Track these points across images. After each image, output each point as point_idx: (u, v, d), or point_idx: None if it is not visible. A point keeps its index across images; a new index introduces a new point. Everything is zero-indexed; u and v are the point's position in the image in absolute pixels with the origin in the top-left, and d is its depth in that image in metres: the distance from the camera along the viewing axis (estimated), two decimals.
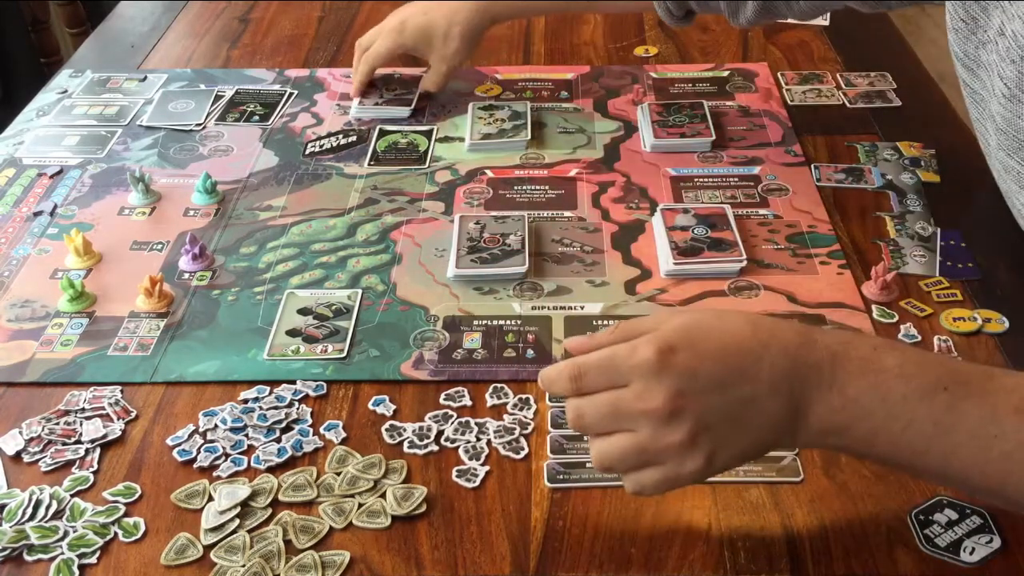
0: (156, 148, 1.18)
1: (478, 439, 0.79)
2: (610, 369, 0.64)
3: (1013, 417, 0.62)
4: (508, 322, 0.90)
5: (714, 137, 1.15)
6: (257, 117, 1.23)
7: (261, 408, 0.82)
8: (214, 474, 0.77)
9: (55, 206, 1.08)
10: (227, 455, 0.78)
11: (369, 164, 1.14)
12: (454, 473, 0.76)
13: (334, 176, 1.12)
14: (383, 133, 1.19)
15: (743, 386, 0.63)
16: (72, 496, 0.75)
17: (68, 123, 1.23)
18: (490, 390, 0.83)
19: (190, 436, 0.80)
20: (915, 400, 0.63)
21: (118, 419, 0.82)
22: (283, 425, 0.81)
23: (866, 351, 0.65)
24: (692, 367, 0.63)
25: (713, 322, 0.65)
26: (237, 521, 0.73)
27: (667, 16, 1.15)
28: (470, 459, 0.78)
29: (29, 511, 0.74)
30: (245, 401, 0.83)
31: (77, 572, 0.70)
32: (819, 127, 1.19)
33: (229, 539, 0.71)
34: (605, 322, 0.90)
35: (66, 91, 1.30)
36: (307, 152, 1.17)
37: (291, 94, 1.28)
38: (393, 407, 0.82)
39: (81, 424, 0.81)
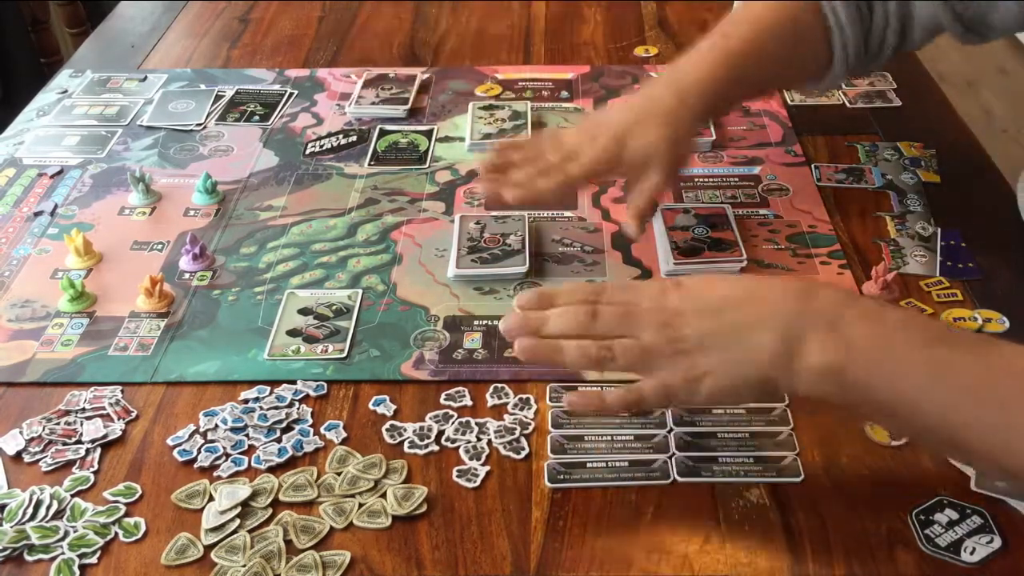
0: (156, 148, 1.18)
1: (478, 439, 0.79)
2: (627, 289, 0.74)
3: (1009, 378, 0.62)
4: None
5: (714, 137, 1.15)
6: (257, 117, 1.23)
7: (261, 408, 0.82)
8: (214, 474, 0.77)
9: (55, 206, 1.08)
10: (227, 455, 0.78)
11: (369, 164, 1.14)
12: (454, 473, 0.76)
13: (334, 176, 1.12)
14: (383, 133, 1.19)
15: (739, 313, 0.68)
16: (73, 496, 0.75)
17: (68, 123, 1.23)
18: (490, 390, 0.83)
19: (190, 436, 0.80)
20: (914, 349, 0.64)
21: (118, 419, 0.82)
22: (283, 425, 0.81)
23: (870, 304, 0.68)
24: (693, 295, 0.70)
25: (724, 276, 0.73)
26: (238, 521, 0.73)
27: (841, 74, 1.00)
28: (470, 459, 0.78)
29: (29, 511, 0.74)
30: (245, 401, 0.83)
31: (78, 572, 0.70)
32: (819, 127, 1.19)
33: (230, 539, 0.71)
34: None
35: (66, 91, 1.30)
36: (307, 152, 1.17)
37: (291, 94, 1.28)
38: (394, 407, 0.82)
39: (81, 424, 0.81)
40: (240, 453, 0.78)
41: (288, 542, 0.71)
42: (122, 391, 0.84)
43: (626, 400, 0.71)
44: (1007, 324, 0.88)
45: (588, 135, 0.93)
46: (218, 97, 1.27)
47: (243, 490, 0.75)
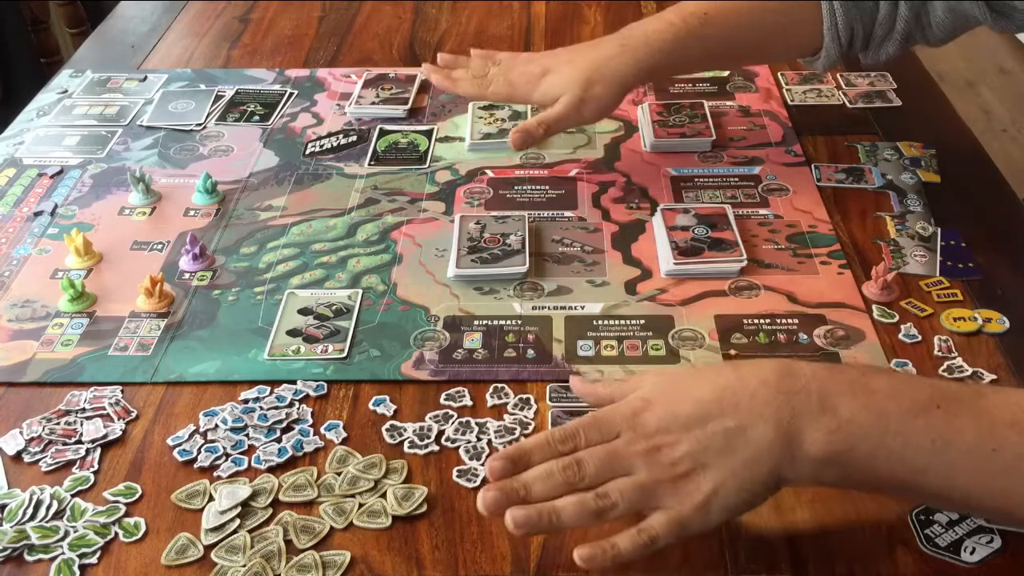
0: (156, 148, 1.18)
1: (479, 439, 0.79)
2: (599, 424, 0.68)
3: (1009, 431, 0.62)
4: (508, 322, 0.90)
5: (714, 137, 1.15)
6: (257, 117, 1.24)
7: (261, 408, 0.82)
8: (215, 474, 0.77)
9: (55, 206, 1.08)
10: (227, 455, 0.78)
11: (369, 164, 1.14)
12: (455, 473, 0.76)
13: (334, 176, 1.12)
14: (383, 133, 1.19)
15: (725, 418, 0.65)
16: (73, 496, 0.75)
17: (68, 123, 1.23)
18: (491, 390, 0.83)
19: (191, 436, 0.80)
20: (910, 417, 0.63)
21: (118, 419, 0.82)
22: (283, 425, 0.81)
23: (853, 374, 0.66)
24: (670, 411, 0.66)
25: (688, 372, 0.70)
26: (238, 521, 0.73)
27: (826, 62, 1.07)
28: (471, 459, 0.78)
29: (30, 511, 0.74)
30: (245, 401, 0.83)
31: (78, 572, 0.70)
32: (819, 127, 1.19)
33: (230, 539, 0.71)
34: (605, 322, 0.90)
35: (66, 91, 1.30)
36: (307, 152, 1.17)
37: (291, 94, 1.28)
38: (394, 407, 0.82)
39: (81, 424, 0.81)
40: (240, 453, 0.78)
41: (288, 542, 0.71)
42: (122, 391, 0.85)
43: (639, 544, 0.64)
44: (1007, 324, 0.88)
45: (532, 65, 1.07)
46: (218, 97, 1.27)
47: (243, 490, 0.75)
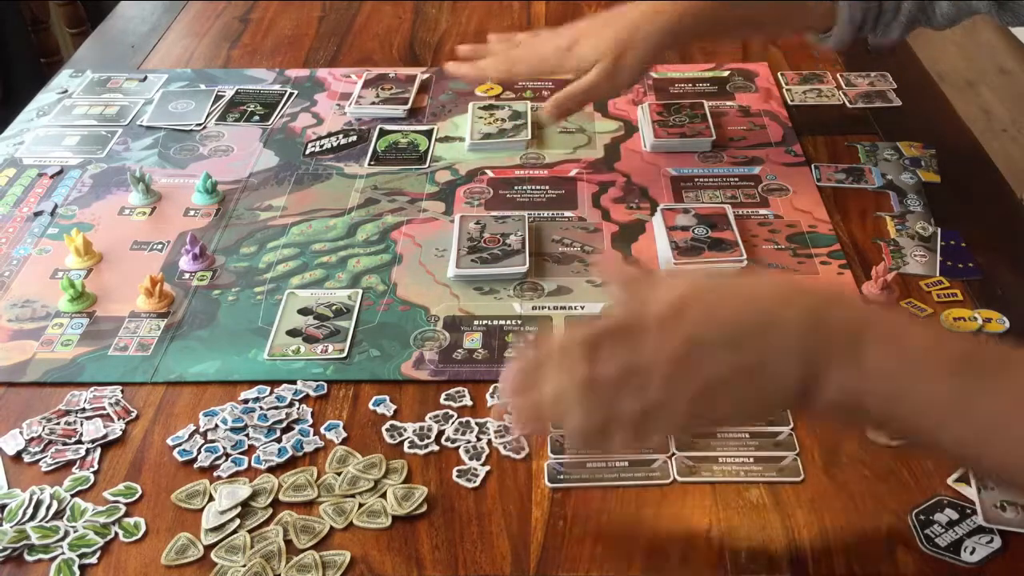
0: (156, 148, 1.18)
1: (478, 439, 0.79)
2: (626, 334, 0.62)
3: None
4: (509, 322, 0.90)
5: (714, 137, 1.15)
6: (257, 117, 1.23)
7: (261, 408, 0.82)
8: (215, 474, 0.77)
9: (55, 206, 1.08)
10: (227, 455, 0.78)
11: (369, 164, 1.14)
12: (454, 473, 0.76)
13: (334, 176, 1.12)
14: (383, 133, 1.19)
15: (756, 347, 0.61)
16: (73, 496, 0.75)
17: (68, 123, 1.23)
18: (491, 390, 0.83)
19: (190, 436, 0.80)
20: (937, 378, 0.61)
21: (118, 419, 0.82)
22: (283, 425, 0.81)
23: (892, 323, 0.63)
24: (705, 325, 0.61)
25: (732, 285, 0.64)
26: (238, 521, 0.73)
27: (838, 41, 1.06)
28: (470, 459, 0.78)
29: (29, 511, 0.74)
30: (245, 401, 0.83)
31: (78, 572, 0.70)
32: (819, 127, 1.19)
33: (230, 539, 0.71)
34: None
35: (66, 91, 1.30)
36: (307, 152, 1.17)
37: (291, 94, 1.28)
38: (393, 407, 0.82)
39: (81, 424, 0.81)
40: (240, 453, 0.78)
41: (288, 542, 0.71)
42: (122, 391, 0.84)
43: (629, 440, 0.64)
44: (1007, 324, 0.88)
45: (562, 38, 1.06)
46: (218, 97, 1.27)
47: (243, 490, 0.75)
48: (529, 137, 1.17)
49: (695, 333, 0.61)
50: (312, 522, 0.72)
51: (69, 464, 0.78)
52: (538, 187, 1.09)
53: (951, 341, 0.64)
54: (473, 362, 0.86)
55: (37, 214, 1.07)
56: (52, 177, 1.13)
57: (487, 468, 0.77)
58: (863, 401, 0.61)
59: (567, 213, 1.05)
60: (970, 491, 0.73)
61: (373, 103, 1.25)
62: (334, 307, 0.93)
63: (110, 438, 0.80)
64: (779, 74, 1.30)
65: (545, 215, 1.04)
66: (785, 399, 0.64)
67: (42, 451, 0.79)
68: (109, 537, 0.72)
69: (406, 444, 0.79)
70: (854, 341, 0.61)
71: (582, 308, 0.92)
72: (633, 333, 0.62)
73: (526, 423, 0.68)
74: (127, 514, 0.74)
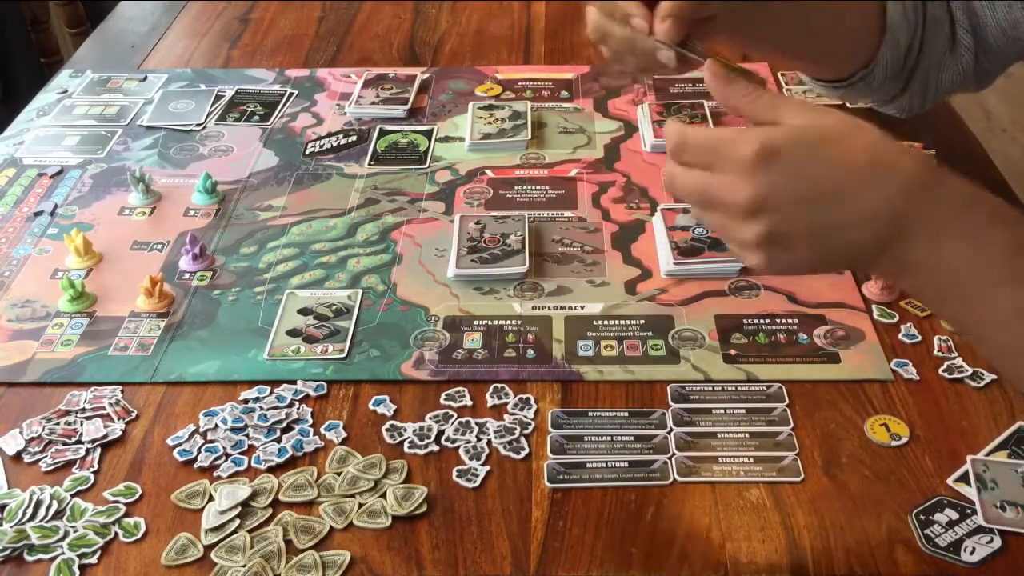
0: (156, 148, 1.18)
1: (478, 439, 0.79)
2: (710, 152, 0.61)
3: None
4: (508, 322, 0.90)
5: None
6: (257, 117, 1.23)
7: (261, 408, 0.82)
8: (214, 474, 0.77)
9: (55, 206, 1.08)
10: (227, 455, 0.78)
11: (369, 164, 1.14)
12: (454, 473, 0.76)
13: (334, 176, 1.12)
14: (383, 133, 1.19)
15: (836, 210, 0.60)
16: (72, 496, 0.75)
17: (68, 123, 1.23)
18: (490, 390, 0.83)
19: (190, 436, 0.80)
20: (998, 286, 0.60)
21: (118, 419, 0.82)
22: (283, 425, 0.81)
23: (976, 218, 0.61)
24: (789, 177, 0.59)
25: (835, 133, 0.60)
26: (238, 521, 0.73)
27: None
28: (470, 459, 0.78)
29: (29, 511, 0.74)
30: (245, 401, 0.83)
31: (77, 572, 0.70)
32: None
33: (230, 539, 0.71)
34: (605, 322, 0.90)
35: (66, 91, 1.30)
36: (307, 152, 1.17)
37: (291, 94, 1.28)
38: (393, 407, 0.82)
39: (81, 424, 0.81)
40: (240, 453, 0.78)
41: (288, 542, 0.71)
42: (122, 391, 0.84)
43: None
44: None
45: None
46: (218, 97, 1.27)
47: (243, 490, 0.75)
48: (529, 137, 1.17)
49: (774, 188, 0.59)
50: (312, 522, 0.72)
51: (69, 464, 0.78)
52: (538, 187, 1.09)
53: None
54: (473, 362, 0.86)
55: (37, 214, 1.07)
56: (52, 177, 1.13)
57: (487, 468, 0.77)
58: (925, 287, 0.62)
59: (567, 213, 1.05)
60: (970, 491, 0.73)
61: (373, 103, 1.25)
62: (334, 307, 0.93)
63: (110, 438, 0.80)
64: (779, 74, 1.30)
65: (545, 215, 1.04)
66: (852, 262, 0.69)
67: (42, 451, 0.79)
68: (109, 537, 0.72)
69: (406, 444, 0.79)
70: (936, 230, 0.60)
71: (582, 308, 0.92)
72: (718, 157, 0.61)
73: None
74: (127, 514, 0.74)
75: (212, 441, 0.79)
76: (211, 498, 0.75)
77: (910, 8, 0.80)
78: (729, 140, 0.60)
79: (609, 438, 0.79)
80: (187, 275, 0.97)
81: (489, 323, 0.90)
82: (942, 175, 0.61)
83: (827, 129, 0.60)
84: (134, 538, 0.72)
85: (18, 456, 0.79)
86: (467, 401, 0.83)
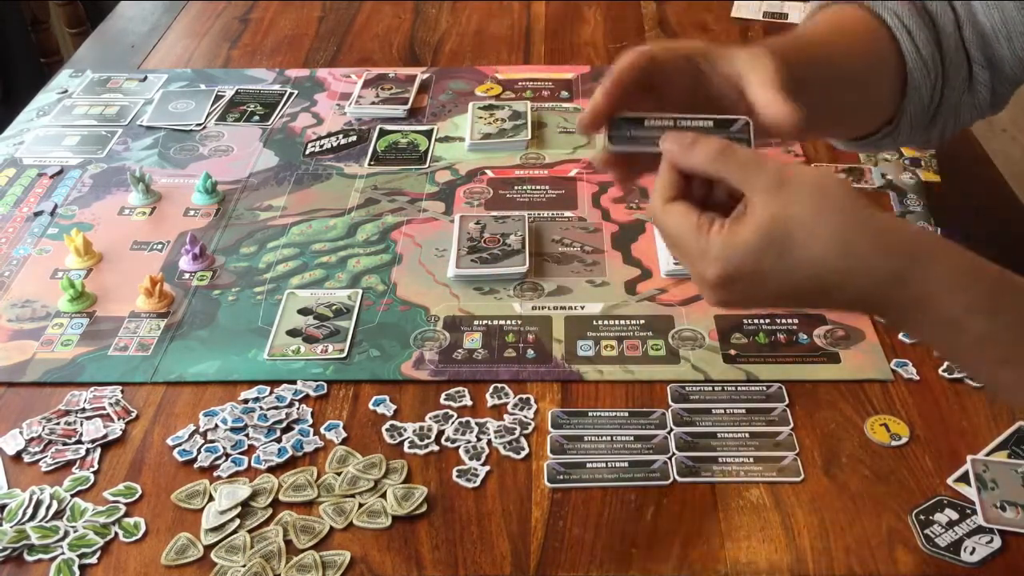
0: (156, 148, 1.18)
1: (478, 439, 0.79)
2: (676, 249, 0.61)
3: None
4: (508, 322, 0.90)
5: None
6: (257, 117, 1.23)
7: (261, 408, 0.82)
8: (214, 474, 0.77)
9: (55, 206, 1.08)
10: (227, 455, 0.78)
11: (369, 164, 1.14)
12: (454, 473, 0.76)
13: (334, 176, 1.12)
14: (383, 133, 1.19)
15: (805, 300, 0.60)
16: (72, 496, 0.75)
17: (68, 123, 1.23)
18: (490, 390, 0.83)
19: (190, 436, 0.80)
20: (990, 363, 0.60)
21: (118, 419, 0.82)
22: (283, 425, 0.81)
23: (954, 312, 0.58)
24: (751, 287, 0.59)
25: (802, 229, 0.57)
26: (238, 521, 0.73)
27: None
28: (470, 459, 0.78)
29: (29, 511, 0.74)
30: (245, 401, 0.83)
31: (77, 572, 0.70)
32: None
33: (230, 539, 0.71)
34: (605, 322, 0.90)
35: (66, 91, 1.30)
36: (307, 152, 1.17)
37: (291, 94, 1.28)
38: (393, 407, 0.82)
39: (81, 424, 0.81)
40: (240, 453, 0.78)
41: (288, 542, 0.71)
42: (122, 391, 0.84)
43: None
44: None
45: None
46: (218, 97, 1.27)
47: (243, 490, 0.75)
48: (529, 137, 1.17)
49: (735, 298, 0.60)
50: (312, 522, 0.72)
51: (69, 464, 0.78)
52: (538, 187, 1.09)
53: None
54: (473, 362, 0.86)
55: (37, 214, 1.07)
56: (52, 177, 1.13)
57: (487, 468, 0.77)
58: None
59: (567, 213, 1.05)
60: (970, 491, 0.73)
61: (373, 103, 1.25)
62: (334, 307, 0.93)
63: (110, 438, 0.80)
64: None
65: (545, 215, 1.04)
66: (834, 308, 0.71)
67: (42, 451, 0.79)
68: (109, 537, 0.72)
69: (406, 444, 0.79)
70: (907, 318, 0.60)
71: (582, 308, 0.92)
72: (683, 257, 0.61)
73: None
74: (127, 514, 0.74)
75: (212, 441, 0.79)
76: (211, 498, 0.74)
77: (929, 59, 0.77)
78: (694, 252, 0.59)
79: (609, 438, 0.79)
80: (187, 275, 0.97)
81: (489, 323, 0.90)
82: (920, 259, 0.58)
83: (792, 224, 0.57)
84: (134, 538, 0.72)
85: (18, 456, 0.79)
86: (467, 401, 0.83)
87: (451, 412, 0.82)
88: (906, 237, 0.59)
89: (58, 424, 0.81)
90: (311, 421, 0.81)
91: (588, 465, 0.77)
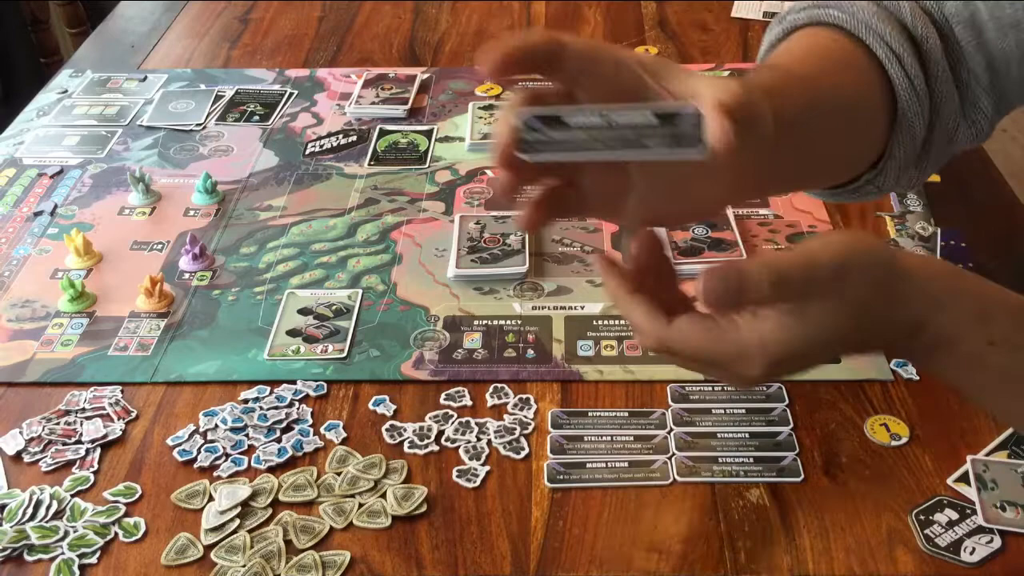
0: (156, 148, 1.18)
1: (478, 439, 0.79)
2: (708, 364, 0.58)
3: None
4: (508, 322, 0.90)
5: None
6: (257, 117, 1.23)
7: (261, 408, 0.82)
8: (214, 474, 0.77)
9: (55, 206, 1.08)
10: (227, 455, 0.78)
11: (369, 164, 1.14)
12: (454, 473, 0.76)
13: (334, 176, 1.12)
14: (383, 133, 1.19)
15: (833, 352, 0.59)
16: (72, 496, 0.75)
17: (68, 123, 1.23)
18: (490, 390, 0.83)
19: (190, 436, 0.80)
20: (1007, 398, 0.60)
21: (118, 419, 0.82)
22: (283, 425, 0.81)
23: (976, 347, 0.57)
24: (792, 361, 0.56)
25: (819, 331, 0.55)
26: (237, 521, 0.73)
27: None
28: (470, 459, 0.78)
29: (29, 511, 0.74)
30: (245, 401, 0.83)
31: (77, 572, 0.70)
32: None
33: (229, 539, 0.71)
34: (605, 322, 0.90)
35: (66, 91, 1.30)
36: (307, 152, 1.17)
37: (291, 94, 1.28)
38: (393, 407, 0.82)
39: (81, 424, 0.81)
40: (240, 453, 0.78)
41: (288, 542, 0.71)
42: (122, 391, 0.84)
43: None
44: None
45: None
46: (218, 97, 1.27)
47: (243, 490, 0.75)
48: None
49: (776, 372, 0.56)
50: (312, 522, 0.72)
51: (69, 464, 0.78)
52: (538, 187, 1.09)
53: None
54: (473, 362, 0.86)
55: (37, 214, 1.07)
56: (52, 177, 1.13)
57: (487, 468, 0.77)
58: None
59: None
60: (970, 491, 0.73)
61: (373, 103, 1.25)
62: (334, 307, 0.93)
63: (110, 438, 0.80)
64: None
65: None
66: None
67: (42, 451, 0.79)
68: (109, 537, 0.72)
69: (406, 444, 0.79)
70: (924, 358, 0.59)
71: (582, 308, 0.92)
72: (716, 368, 0.58)
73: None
74: (127, 514, 0.74)
75: (212, 441, 0.79)
76: (211, 498, 0.75)
77: (921, 90, 0.69)
78: (731, 358, 0.56)
79: (609, 438, 0.79)
80: (187, 275, 0.97)
81: (489, 323, 0.90)
82: (927, 322, 0.56)
83: (812, 330, 0.55)
84: (134, 538, 0.72)
85: (18, 456, 0.79)
86: (467, 401, 0.83)
87: (451, 412, 0.82)
88: (928, 285, 0.57)
89: (58, 424, 0.81)
90: (311, 421, 0.81)
91: (588, 465, 0.77)
